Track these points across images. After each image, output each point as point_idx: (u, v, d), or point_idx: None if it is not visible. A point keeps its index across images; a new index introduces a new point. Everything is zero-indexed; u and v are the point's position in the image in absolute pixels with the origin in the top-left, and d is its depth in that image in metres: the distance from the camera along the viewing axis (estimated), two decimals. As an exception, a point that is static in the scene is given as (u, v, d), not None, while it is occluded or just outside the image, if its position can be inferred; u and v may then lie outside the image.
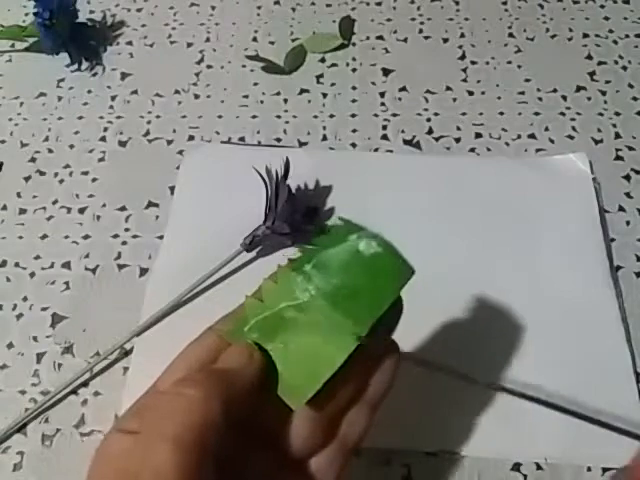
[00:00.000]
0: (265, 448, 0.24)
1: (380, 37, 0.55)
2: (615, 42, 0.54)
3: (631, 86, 0.51)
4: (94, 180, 0.48)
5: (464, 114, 0.50)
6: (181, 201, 0.46)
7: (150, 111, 0.51)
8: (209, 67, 0.54)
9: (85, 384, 0.39)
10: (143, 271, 0.43)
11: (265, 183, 0.42)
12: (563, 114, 0.50)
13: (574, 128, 0.49)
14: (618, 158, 0.47)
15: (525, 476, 0.35)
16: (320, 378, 0.24)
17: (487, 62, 0.53)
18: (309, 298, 0.25)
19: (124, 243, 0.44)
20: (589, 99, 0.50)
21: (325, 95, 0.52)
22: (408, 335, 0.38)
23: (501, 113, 0.50)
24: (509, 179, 0.46)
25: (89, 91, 0.53)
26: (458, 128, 0.49)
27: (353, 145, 0.48)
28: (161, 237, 0.44)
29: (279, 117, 0.50)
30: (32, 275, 0.43)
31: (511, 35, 0.55)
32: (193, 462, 0.21)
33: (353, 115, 0.50)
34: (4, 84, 0.54)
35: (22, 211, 0.46)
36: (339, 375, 0.24)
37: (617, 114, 0.49)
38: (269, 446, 0.25)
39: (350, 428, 0.26)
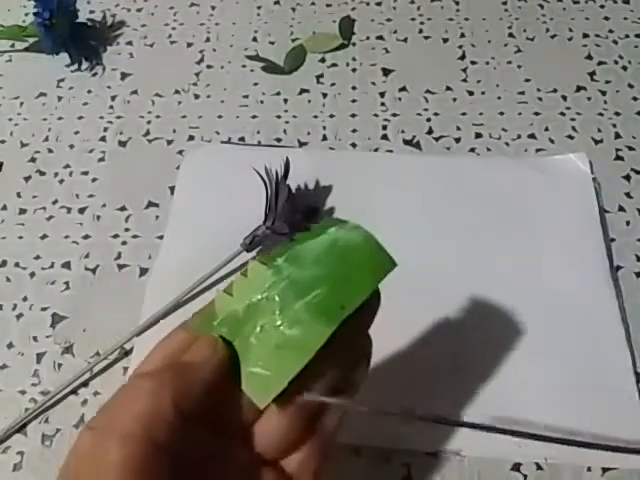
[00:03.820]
0: (241, 444, 0.24)
1: (380, 37, 0.55)
2: (615, 42, 0.54)
3: (631, 86, 0.51)
4: (94, 180, 0.48)
5: (464, 114, 0.50)
6: (181, 201, 0.46)
7: (150, 111, 0.51)
8: (209, 67, 0.54)
9: (85, 384, 0.39)
10: (143, 271, 0.43)
11: (265, 183, 0.42)
12: (563, 114, 0.50)
13: (574, 128, 0.49)
14: (618, 158, 0.47)
15: (525, 476, 0.35)
16: (286, 374, 0.23)
17: (487, 62, 0.53)
18: (278, 291, 0.24)
19: (124, 243, 0.44)
20: (589, 99, 0.50)
21: (325, 95, 0.52)
22: (407, 335, 0.38)
23: (501, 113, 0.50)
24: (509, 179, 0.46)
25: (89, 91, 0.53)
26: (458, 128, 0.49)
27: (353, 145, 0.49)
28: (161, 237, 0.44)
29: (279, 117, 0.50)
30: (32, 275, 0.43)
31: (511, 35, 0.55)
32: (141, 455, 0.20)
33: (353, 115, 0.50)
34: (4, 84, 0.54)
35: (22, 211, 0.46)
36: (315, 372, 0.23)
37: (617, 114, 0.49)
38: (244, 442, 0.24)
39: (328, 424, 0.25)
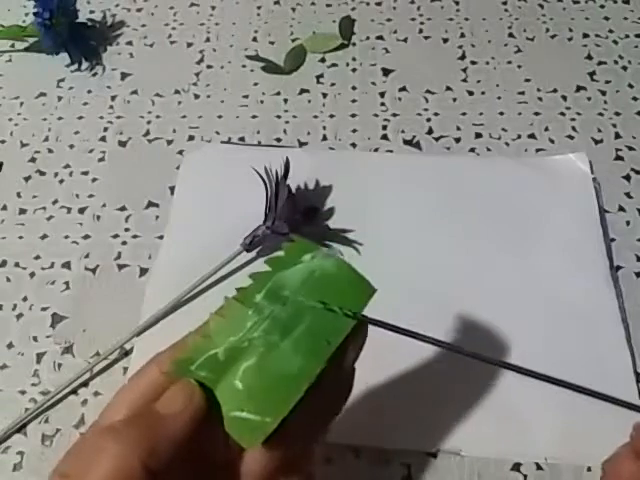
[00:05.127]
0: (226, 476, 0.24)
1: (380, 37, 0.55)
2: (615, 42, 0.54)
3: (631, 86, 0.51)
4: (94, 180, 0.48)
5: (464, 114, 0.50)
6: (181, 201, 0.46)
7: (150, 111, 0.51)
8: (209, 67, 0.54)
9: (85, 384, 0.39)
10: (143, 271, 0.43)
11: (265, 183, 0.42)
12: (563, 114, 0.50)
13: (574, 128, 0.49)
14: (618, 158, 0.47)
15: (525, 476, 0.35)
16: (276, 417, 0.22)
17: (487, 62, 0.53)
18: (261, 332, 0.24)
19: (124, 243, 0.44)
20: (589, 99, 0.50)
21: (325, 95, 0.52)
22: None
23: (501, 113, 0.50)
24: (509, 179, 0.46)
25: (89, 91, 0.53)
26: (458, 128, 0.49)
27: (353, 145, 0.48)
28: (161, 237, 0.44)
29: (279, 117, 0.50)
30: (32, 275, 0.43)
31: (511, 35, 0.55)
32: None
33: (353, 115, 0.50)
34: (4, 84, 0.54)
35: (22, 211, 0.46)
36: (300, 414, 0.23)
37: (617, 114, 0.49)
38: (229, 475, 0.24)
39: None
